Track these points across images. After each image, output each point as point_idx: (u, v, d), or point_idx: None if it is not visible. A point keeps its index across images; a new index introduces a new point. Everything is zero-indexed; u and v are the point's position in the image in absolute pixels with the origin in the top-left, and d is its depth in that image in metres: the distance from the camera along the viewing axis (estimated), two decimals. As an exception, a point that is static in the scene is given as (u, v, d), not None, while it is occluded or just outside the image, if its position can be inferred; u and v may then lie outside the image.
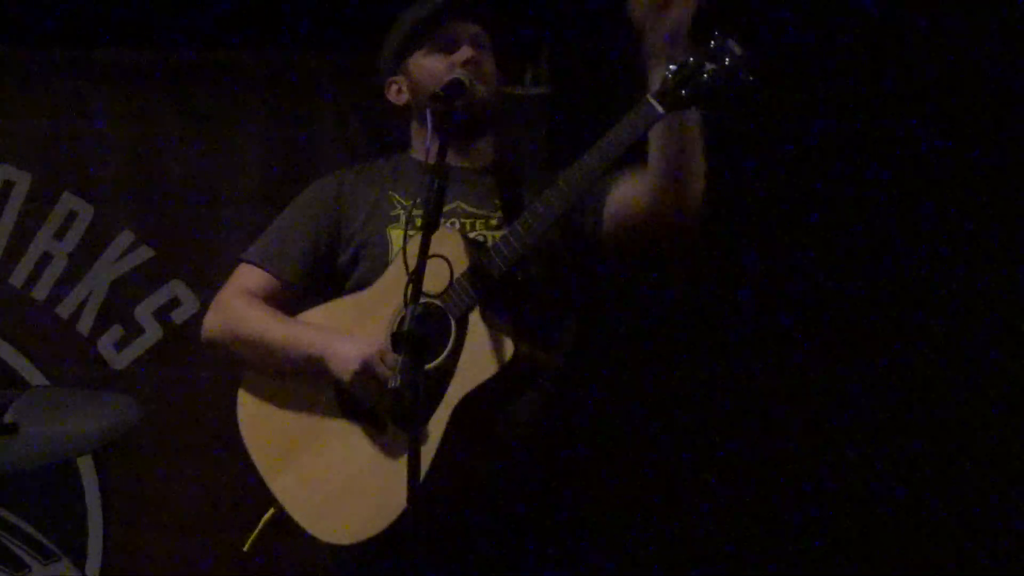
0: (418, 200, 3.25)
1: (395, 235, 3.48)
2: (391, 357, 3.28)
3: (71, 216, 5.17)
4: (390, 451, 3.30)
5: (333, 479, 3.39)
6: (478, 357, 3.22)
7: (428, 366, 3.06)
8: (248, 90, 5.25)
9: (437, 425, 3.20)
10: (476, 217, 3.48)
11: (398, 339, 3.07)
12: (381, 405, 3.32)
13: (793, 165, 4.82)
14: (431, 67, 3.52)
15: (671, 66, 3.08)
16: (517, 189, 3.47)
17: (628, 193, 3.38)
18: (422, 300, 2.99)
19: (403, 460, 2.96)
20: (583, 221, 3.44)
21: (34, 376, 5.13)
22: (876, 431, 4.82)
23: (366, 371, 3.30)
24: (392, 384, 2.93)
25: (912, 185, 4.80)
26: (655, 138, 3.23)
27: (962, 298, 4.76)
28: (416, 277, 2.99)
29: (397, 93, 3.62)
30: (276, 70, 5.25)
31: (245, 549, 3.51)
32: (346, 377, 3.33)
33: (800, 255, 4.87)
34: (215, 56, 5.23)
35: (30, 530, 5.07)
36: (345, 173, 3.68)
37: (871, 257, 4.85)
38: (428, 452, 3.18)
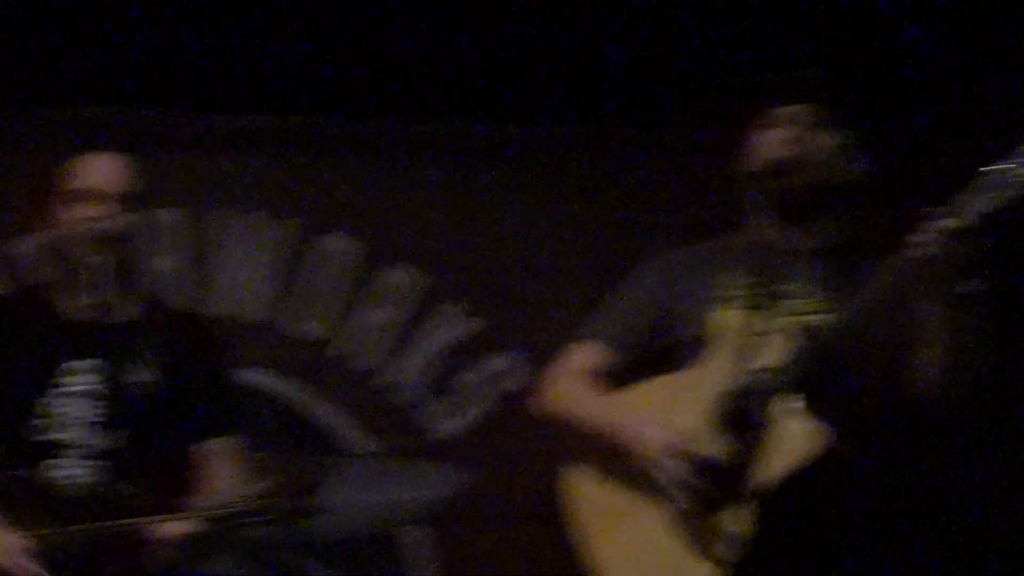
0: (748, 282, 3.26)
1: (720, 317, 3.43)
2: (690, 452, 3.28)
3: (400, 285, 5.25)
4: (698, 534, 3.26)
5: (645, 556, 3.36)
6: (787, 446, 3.17)
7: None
8: (573, 164, 5.31)
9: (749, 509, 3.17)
10: (809, 298, 3.38)
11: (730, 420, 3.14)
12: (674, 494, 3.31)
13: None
14: (757, 143, 3.46)
15: None
16: (854, 273, 3.34)
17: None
18: (748, 381, 3.04)
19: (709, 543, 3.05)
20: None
21: (358, 444, 5.19)
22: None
23: (664, 462, 3.30)
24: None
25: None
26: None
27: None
28: (752, 360, 3.03)
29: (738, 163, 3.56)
30: (599, 144, 5.29)
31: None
32: (646, 461, 3.33)
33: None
34: (546, 131, 5.28)
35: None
36: (676, 253, 3.66)
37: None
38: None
